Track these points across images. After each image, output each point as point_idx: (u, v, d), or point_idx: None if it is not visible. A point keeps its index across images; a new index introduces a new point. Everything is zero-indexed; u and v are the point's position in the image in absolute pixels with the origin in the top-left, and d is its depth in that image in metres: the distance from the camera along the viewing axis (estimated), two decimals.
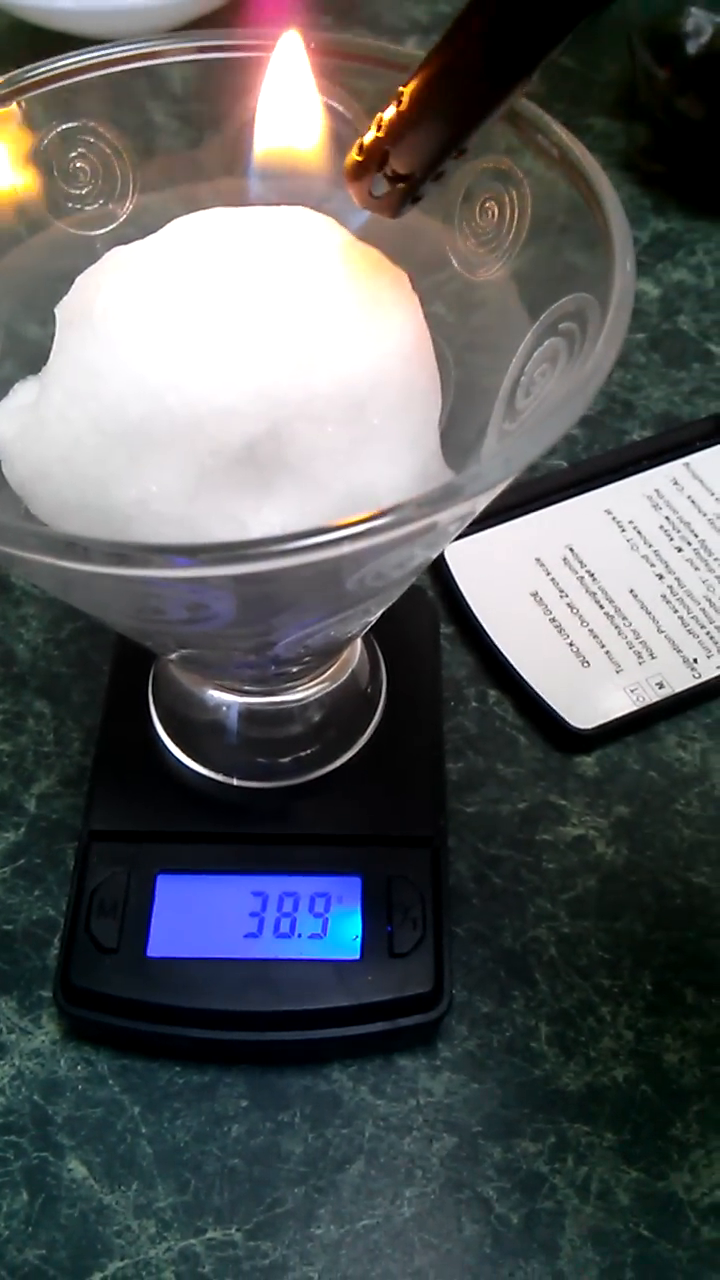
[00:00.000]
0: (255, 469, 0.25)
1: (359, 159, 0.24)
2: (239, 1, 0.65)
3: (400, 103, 0.23)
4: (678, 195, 0.59)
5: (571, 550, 0.45)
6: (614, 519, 0.45)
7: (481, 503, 0.22)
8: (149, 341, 0.24)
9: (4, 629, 0.43)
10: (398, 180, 0.24)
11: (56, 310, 0.27)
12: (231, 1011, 0.33)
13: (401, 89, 0.23)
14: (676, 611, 0.43)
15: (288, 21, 0.30)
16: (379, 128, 0.23)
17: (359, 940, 0.33)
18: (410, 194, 0.24)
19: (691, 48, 0.58)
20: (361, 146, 0.24)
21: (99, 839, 0.35)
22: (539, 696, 0.40)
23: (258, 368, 0.24)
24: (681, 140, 0.58)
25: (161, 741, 0.37)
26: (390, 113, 0.23)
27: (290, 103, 0.29)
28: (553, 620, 0.42)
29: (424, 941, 0.33)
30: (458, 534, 0.27)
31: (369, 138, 0.24)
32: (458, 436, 0.28)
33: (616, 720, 0.40)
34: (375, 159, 0.24)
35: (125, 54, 0.30)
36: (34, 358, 0.28)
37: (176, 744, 0.37)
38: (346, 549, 0.20)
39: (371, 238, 0.28)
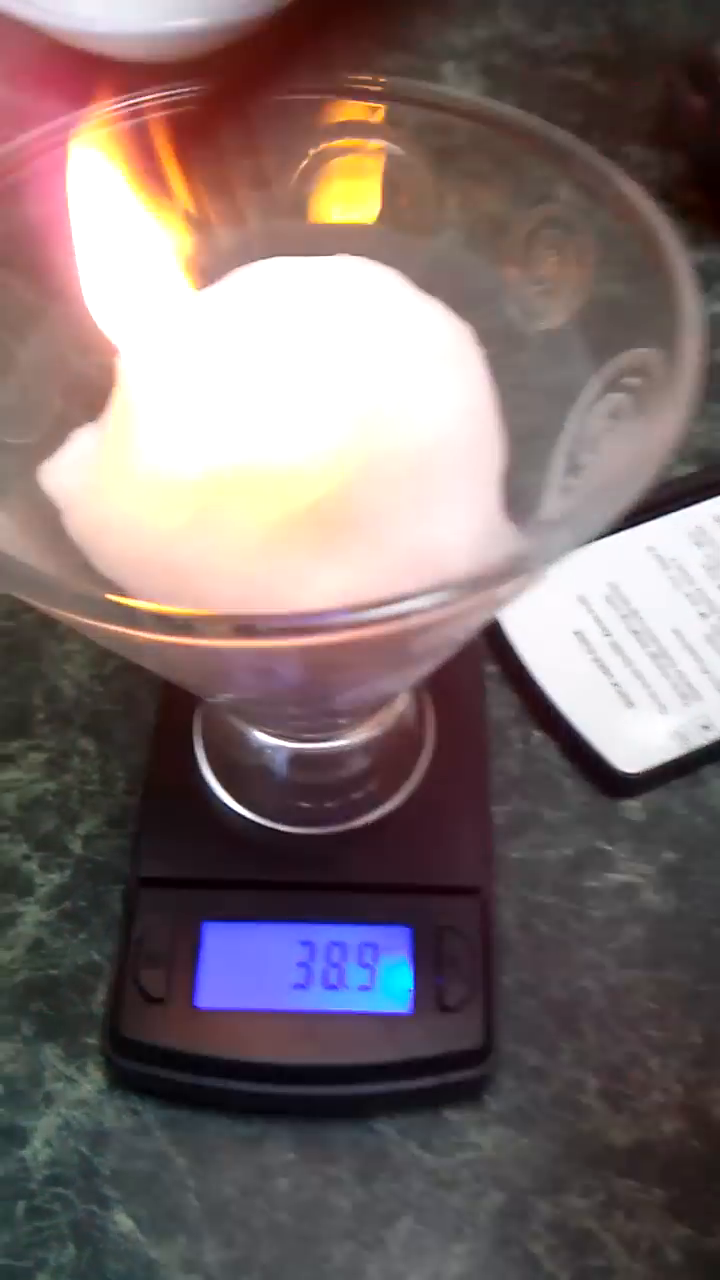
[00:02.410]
0: (319, 527, 0.24)
1: None
2: (278, 24, 0.65)
3: None
4: (716, 226, 0.59)
5: (614, 588, 0.44)
6: (657, 556, 0.45)
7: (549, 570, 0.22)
8: (216, 400, 0.24)
9: (49, 665, 0.43)
10: None
11: (118, 361, 0.27)
12: (281, 1065, 0.33)
13: None
14: None
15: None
16: None
17: (409, 993, 0.33)
18: None
19: None
20: None
21: (147, 885, 0.35)
22: (584, 738, 0.40)
23: (324, 428, 0.24)
24: (718, 170, 0.58)
25: (208, 784, 0.37)
26: None
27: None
28: (596, 660, 0.42)
29: (474, 995, 0.33)
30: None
31: None
32: (513, 484, 0.28)
33: (662, 765, 0.39)
34: None
35: (186, 95, 0.30)
36: (91, 400, 0.28)
37: (223, 787, 0.37)
38: (414, 622, 0.19)
39: (430, 288, 0.27)
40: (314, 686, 0.26)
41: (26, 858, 0.39)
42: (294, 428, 0.23)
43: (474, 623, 0.25)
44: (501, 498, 0.27)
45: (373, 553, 0.25)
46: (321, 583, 0.25)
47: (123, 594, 0.26)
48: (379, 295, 0.26)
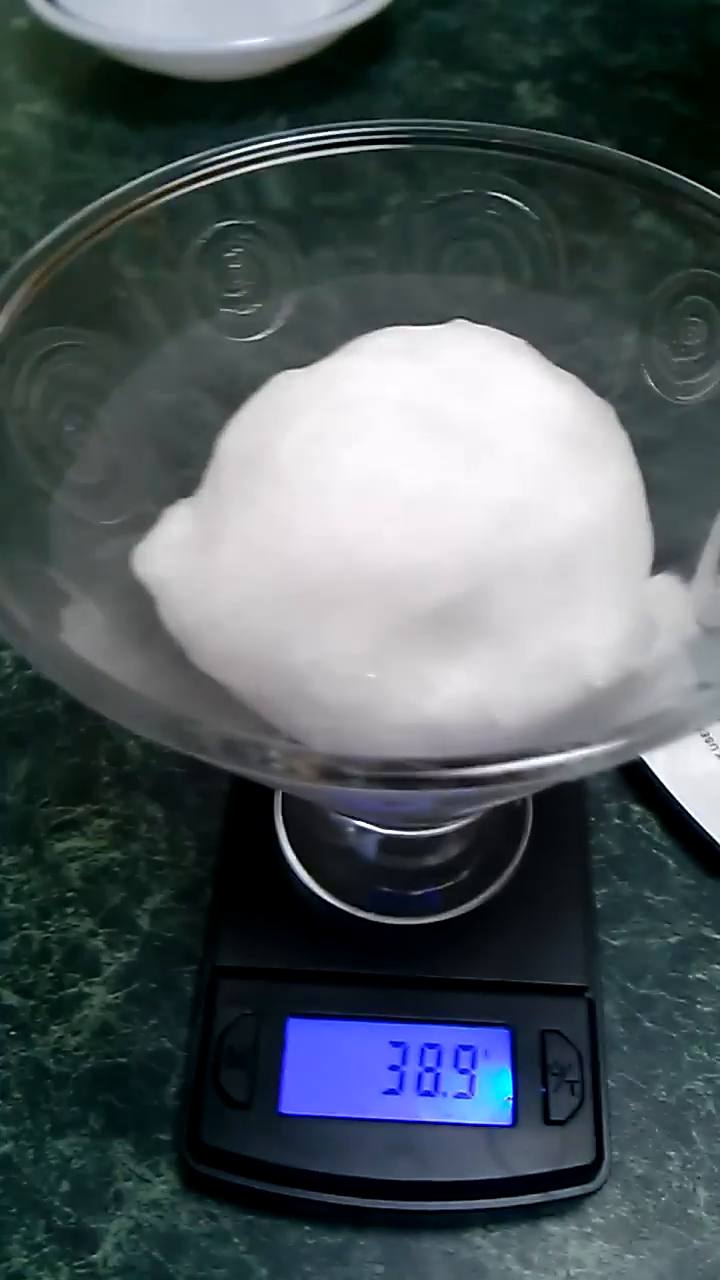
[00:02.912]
0: (448, 630, 0.22)
1: None
2: (341, 45, 0.63)
3: None
4: None
5: None
6: None
7: None
8: (340, 495, 0.21)
9: (114, 725, 0.41)
10: None
11: (221, 441, 0.25)
12: (372, 1180, 0.30)
13: None
14: None
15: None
16: None
17: (510, 1103, 0.31)
18: None
19: None
20: None
21: (224, 975, 0.33)
22: (689, 814, 0.37)
23: (458, 524, 0.21)
24: None
25: (289, 864, 0.35)
26: None
27: None
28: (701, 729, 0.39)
29: (583, 1107, 0.31)
30: None
31: None
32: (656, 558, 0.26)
33: None
34: None
35: (295, 144, 0.28)
36: (186, 471, 0.26)
37: (306, 869, 0.34)
38: (553, 778, 0.17)
39: (563, 358, 0.25)
40: (413, 814, 0.24)
41: (93, 934, 0.37)
42: (426, 525, 0.21)
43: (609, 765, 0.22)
44: (645, 592, 0.24)
45: (506, 657, 0.22)
46: (447, 689, 0.22)
47: (223, 692, 0.24)
48: (511, 369, 0.23)
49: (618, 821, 0.39)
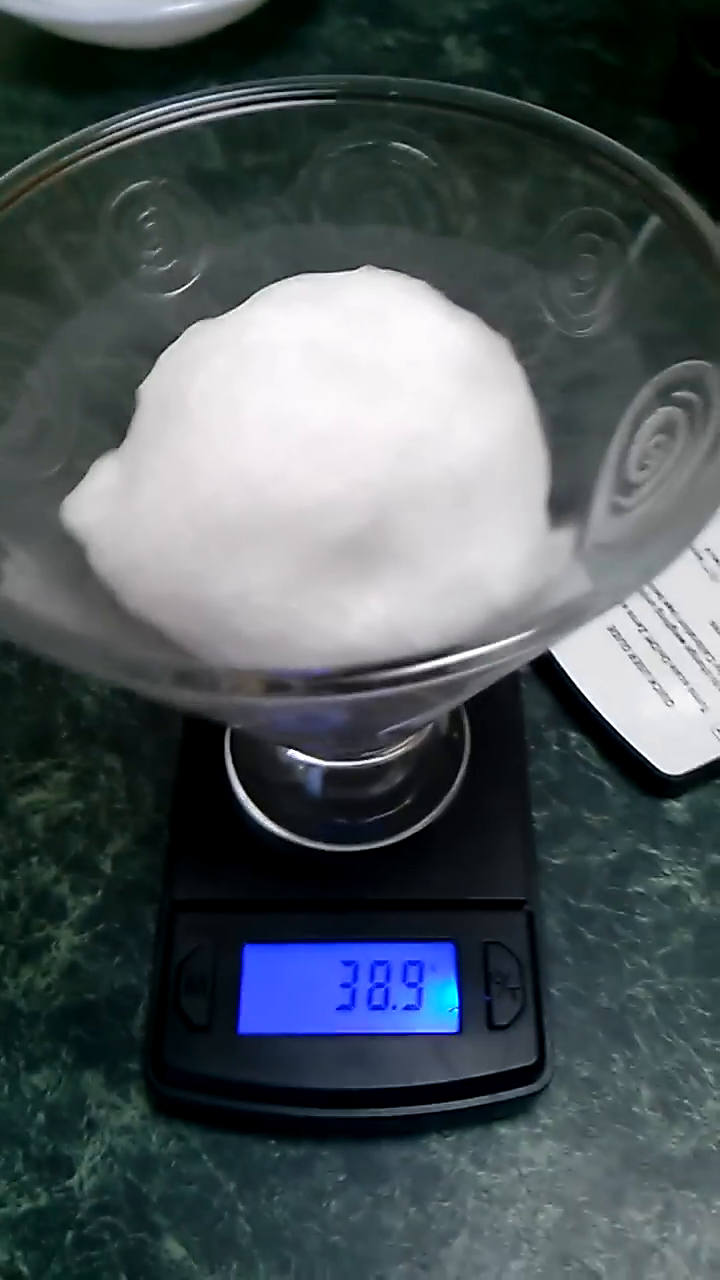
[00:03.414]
0: (358, 558, 0.23)
1: None
2: (267, 6, 0.63)
3: None
4: None
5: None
6: (690, 547, 0.44)
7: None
8: (248, 434, 0.23)
9: (69, 681, 0.42)
10: None
11: (140, 390, 0.26)
12: (328, 1090, 0.32)
13: None
14: None
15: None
16: None
17: (456, 1012, 0.32)
18: None
19: None
20: None
21: (182, 909, 0.34)
22: (624, 739, 0.39)
23: (360, 458, 0.23)
24: None
25: (240, 802, 0.36)
26: None
27: None
28: (633, 657, 0.41)
29: (524, 1012, 0.32)
30: None
31: None
32: (556, 493, 0.27)
33: (704, 765, 0.38)
34: None
35: (190, 108, 0.29)
36: (112, 423, 0.27)
37: (257, 805, 0.36)
38: (461, 673, 0.19)
39: (464, 297, 0.26)
40: (352, 727, 0.25)
41: (57, 880, 0.38)
42: (329, 459, 0.22)
43: (527, 658, 0.24)
44: (546, 513, 0.26)
45: (416, 582, 0.24)
46: (362, 614, 0.24)
47: (155, 632, 0.25)
48: (410, 311, 0.24)
49: (556, 748, 0.40)
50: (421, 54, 0.65)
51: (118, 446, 0.28)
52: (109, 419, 0.28)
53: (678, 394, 0.24)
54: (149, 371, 0.27)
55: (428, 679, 0.18)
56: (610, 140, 0.26)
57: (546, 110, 0.26)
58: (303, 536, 0.23)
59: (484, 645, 0.18)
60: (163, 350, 0.27)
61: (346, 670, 0.18)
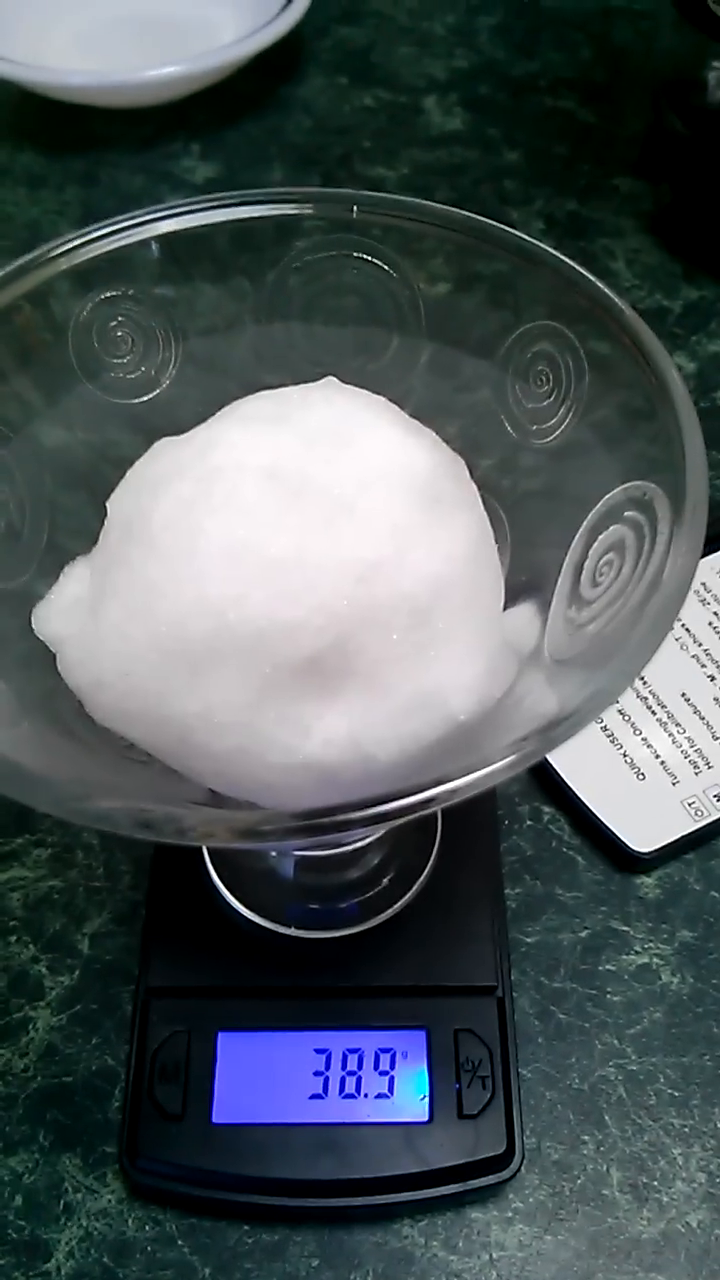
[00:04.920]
0: (319, 677, 0.24)
1: None
2: (255, 66, 0.64)
3: None
4: (709, 260, 0.58)
5: None
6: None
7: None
8: (209, 559, 0.23)
9: None
10: None
11: (109, 504, 0.26)
12: (301, 1180, 0.32)
13: None
14: None
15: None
16: None
17: (427, 1100, 0.33)
18: None
19: (714, 101, 0.57)
20: None
21: (156, 995, 0.35)
22: (595, 815, 0.39)
23: (318, 584, 0.23)
24: (707, 200, 0.57)
25: (215, 886, 0.37)
26: None
27: None
28: (604, 729, 0.42)
29: (494, 1100, 0.33)
30: None
31: None
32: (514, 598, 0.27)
33: (675, 841, 0.39)
34: None
35: (159, 217, 0.29)
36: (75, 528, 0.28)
37: (230, 890, 0.36)
38: (435, 808, 0.19)
39: (423, 407, 0.27)
40: (323, 844, 0.26)
41: (35, 960, 0.38)
42: (288, 584, 0.23)
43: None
44: (501, 629, 0.26)
45: (376, 699, 0.24)
46: (324, 730, 0.24)
47: (124, 742, 0.26)
48: (369, 431, 0.25)
49: (530, 823, 0.41)
50: (401, 114, 0.66)
51: (86, 553, 0.28)
52: (77, 521, 0.28)
53: (628, 514, 0.24)
54: (115, 474, 0.28)
55: (402, 815, 0.19)
56: (564, 258, 0.26)
57: (501, 226, 0.27)
58: (264, 658, 0.23)
59: (463, 777, 0.19)
60: (128, 459, 0.27)
61: (319, 812, 0.19)
